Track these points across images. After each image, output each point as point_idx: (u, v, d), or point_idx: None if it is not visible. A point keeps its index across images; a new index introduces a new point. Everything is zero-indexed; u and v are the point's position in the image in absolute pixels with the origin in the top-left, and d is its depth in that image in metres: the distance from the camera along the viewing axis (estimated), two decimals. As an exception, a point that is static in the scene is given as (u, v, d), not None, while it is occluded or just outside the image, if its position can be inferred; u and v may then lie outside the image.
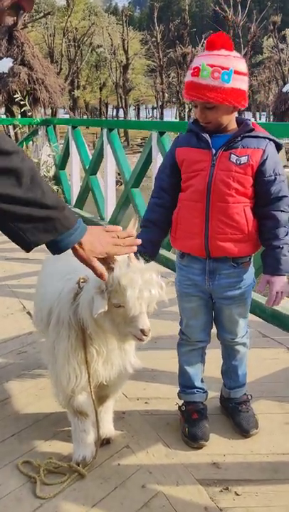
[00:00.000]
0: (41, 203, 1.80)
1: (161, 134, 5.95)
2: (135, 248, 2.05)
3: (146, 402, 2.94)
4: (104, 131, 7.38)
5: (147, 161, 6.37)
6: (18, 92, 11.59)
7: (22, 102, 9.78)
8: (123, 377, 2.46)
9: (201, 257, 2.49)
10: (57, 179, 9.50)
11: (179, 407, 2.73)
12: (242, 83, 2.29)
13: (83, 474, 2.33)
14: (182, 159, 2.46)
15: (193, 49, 40.72)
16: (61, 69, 40.32)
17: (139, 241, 2.06)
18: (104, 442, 2.52)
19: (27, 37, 27.76)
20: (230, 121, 2.39)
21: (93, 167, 8.01)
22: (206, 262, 2.48)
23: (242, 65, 2.29)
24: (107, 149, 7.38)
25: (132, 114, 51.90)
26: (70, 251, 1.95)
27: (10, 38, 23.85)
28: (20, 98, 9.94)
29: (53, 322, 2.34)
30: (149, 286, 2.06)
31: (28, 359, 3.53)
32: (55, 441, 2.61)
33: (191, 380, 2.70)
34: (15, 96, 10.62)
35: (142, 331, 2.07)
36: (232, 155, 2.34)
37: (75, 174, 8.82)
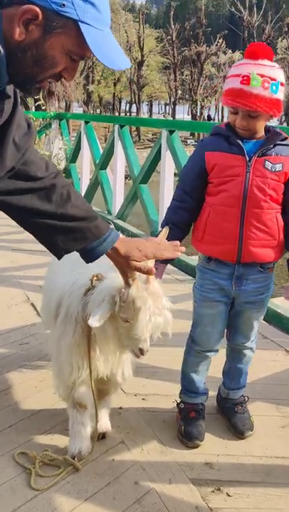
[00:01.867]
0: (71, 216, 1.93)
1: (170, 132, 5.98)
2: (179, 254, 2.16)
3: (143, 399, 2.96)
4: (116, 127, 7.42)
5: (156, 158, 6.42)
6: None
7: (36, 96, 9.81)
8: (123, 374, 2.48)
9: (229, 262, 2.47)
10: (67, 172, 9.55)
11: (178, 403, 2.74)
12: (282, 94, 2.33)
13: (78, 468, 2.35)
14: (213, 163, 2.43)
15: (208, 48, 40.59)
16: (76, 63, 40.20)
17: (183, 248, 2.18)
18: (99, 437, 2.55)
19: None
20: (262, 128, 2.41)
21: (103, 162, 8.06)
22: (234, 267, 2.46)
23: (283, 76, 2.33)
24: (118, 145, 7.41)
25: (144, 110, 51.85)
26: None
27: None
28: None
29: (61, 315, 2.37)
30: (159, 314, 2.12)
31: (30, 350, 3.55)
32: (52, 433, 2.63)
33: (196, 385, 2.69)
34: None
35: (141, 350, 2.14)
36: (267, 162, 2.36)
37: (85, 168, 8.87)
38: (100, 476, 2.33)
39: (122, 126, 7.35)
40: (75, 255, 2.56)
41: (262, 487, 2.29)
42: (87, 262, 2.07)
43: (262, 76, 2.24)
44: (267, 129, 2.44)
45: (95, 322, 2.05)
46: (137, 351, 2.16)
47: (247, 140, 2.39)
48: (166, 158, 6.03)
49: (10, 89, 1.64)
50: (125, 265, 2.05)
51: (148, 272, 2.06)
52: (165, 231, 2.34)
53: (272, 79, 2.26)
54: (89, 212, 1.98)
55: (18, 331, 3.87)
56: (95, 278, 2.26)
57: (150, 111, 54.26)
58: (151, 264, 2.13)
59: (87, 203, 2.03)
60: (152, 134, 40.22)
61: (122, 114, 55.09)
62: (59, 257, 2.02)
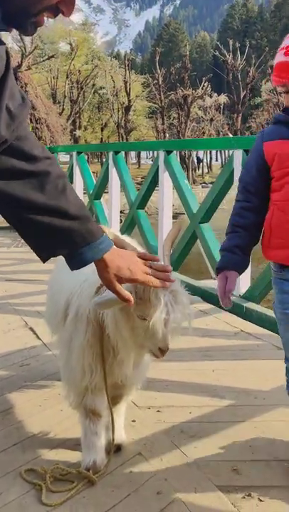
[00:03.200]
0: (63, 212, 1.72)
1: (168, 153, 5.90)
2: (168, 284, 1.90)
3: (158, 411, 2.76)
4: (110, 154, 7.34)
5: (153, 181, 6.30)
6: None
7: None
8: (138, 378, 2.33)
9: None
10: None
11: None
12: None
13: (93, 481, 2.14)
14: (273, 154, 2.08)
15: (194, 91, 41.31)
16: (63, 109, 40.93)
17: (173, 279, 1.91)
18: (114, 449, 2.34)
19: (30, 78, 28.27)
20: None
21: (97, 191, 7.92)
22: None
23: None
24: (113, 172, 7.32)
25: (132, 154, 52.34)
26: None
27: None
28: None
29: (71, 315, 2.20)
30: (179, 311, 1.95)
31: (31, 371, 3.36)
32: (62, 449, 2.43)
33: None
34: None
35: (161, 350, 1.98)
36: None
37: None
38: (119, 489, 2.12)
39: (116, 153, 7.27)
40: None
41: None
42: (72, 269, 1.84)
43: None
44: None
45: (103, 303, 1.90)
46: (156, 351, 1.99)
47: None
48: (165, 179, 5.94)
49: (2, 49, 1.50)
50: (109, 282, 1.84)
51: (125, 301, 1.85)
52: (177, 227, 2.17)
53: None
54: (82, 212, 1.77)
55: (18, 353, 3.68)
56: None
57: (138, 155, 54.70)
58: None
59: (81, 201, 1.82)
60: (141, 178, 40.52)
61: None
62: (44, 260, 1.81)
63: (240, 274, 2.22)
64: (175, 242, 2.19)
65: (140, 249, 2.41)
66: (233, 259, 2.18)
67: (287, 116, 2.08)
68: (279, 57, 2.03)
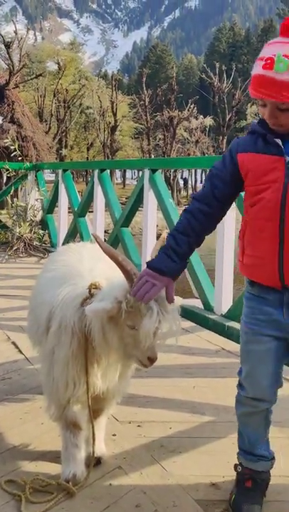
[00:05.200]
0: None
1: (153, 171, 5.94)
2: None
3: (138, 426, 2.78)
4: (96, 172, 7.36)
5: (138, 199, 6.33)
6: (10, 140, 11.39)
7: (12, 147, 9.76)
8: (119, 392, 2.36)
9: (274, 287, 2.00)
10: (44, 223, 9.43)
11: (236, 465, 2.22)
12: None
13: (73, 492, 2.15)
14: (248, 168, 1.98)
15: (180, 113, 41.66)
16: (50, 128, 41.02)
17: None
18: (94, 462, 2.35)
19: (18, 96, 28.35)
20: None
21: (82, 209, 7.94)
22: (282, 293, 1.99)
23: None
24: (98, 190, 7.34)
25: (117, 174, 52.53)
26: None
27: (1, 97, 24.45)
28: (10, 143, 9.99)
29: (54, 327, 2.21)
30: (168, 321, 1.99)
31: (12, 385, 3.37)
32: (42, 461, 2.44)
33: (251, 445, 2.17)
34: (5, 141, 10.76)
35: (149, 359, 2.01)
36: None
37: (63, 217, 8.75)
38: (98, 501, 2.13)
39: (101, 171, 7.31)
40: (63, 269, 2.43)
41: (274, 506, 2.12)
42: None
43: None
44: None
45: (96, 310, 1.95)
46: (144, 360, 2.02)
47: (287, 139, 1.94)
48: (149, 198, 5.98)
49: None
50: None
51: None
52: (163, 237, 2.20)
53: None
54: None
55: (-1, 367, 3.68)
56: (94, 287, 2.13)
57: (124, 176, 54.87)
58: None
59: None
60: (126, 198, 40.64)
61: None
62: None
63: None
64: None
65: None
66: (177, 269, 2.03)
67: (263, 128, 1.98)
68: (257, 69, 1.89)
